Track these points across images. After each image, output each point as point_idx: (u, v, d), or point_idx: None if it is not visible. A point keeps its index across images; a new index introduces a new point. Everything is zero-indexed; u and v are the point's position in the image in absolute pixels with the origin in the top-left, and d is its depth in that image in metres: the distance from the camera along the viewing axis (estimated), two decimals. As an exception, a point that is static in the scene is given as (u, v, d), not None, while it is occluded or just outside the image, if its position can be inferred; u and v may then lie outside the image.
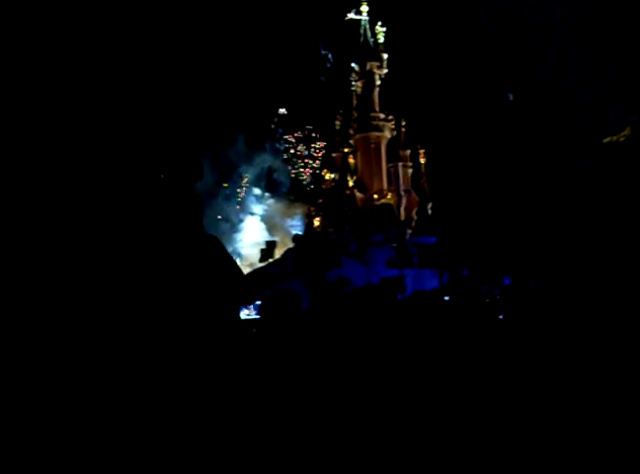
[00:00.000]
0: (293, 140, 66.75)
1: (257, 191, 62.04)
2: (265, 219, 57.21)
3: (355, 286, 39.74)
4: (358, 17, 50.28)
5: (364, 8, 50.29)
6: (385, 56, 49.37)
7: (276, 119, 66.31)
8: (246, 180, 63.40)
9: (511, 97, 54.09)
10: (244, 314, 33.89)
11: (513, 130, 52.72)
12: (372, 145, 47.68)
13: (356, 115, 48.77)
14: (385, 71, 49.33)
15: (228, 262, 13.96)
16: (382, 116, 48.37)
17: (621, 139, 40.36)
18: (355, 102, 49.66)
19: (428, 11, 58.32)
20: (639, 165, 37.48)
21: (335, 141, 49.14)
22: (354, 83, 49.88)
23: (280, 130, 60.69)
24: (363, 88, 48.95)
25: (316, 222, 45.39)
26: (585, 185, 42.59)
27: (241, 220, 59.85)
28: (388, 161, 47.26)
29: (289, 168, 65.25)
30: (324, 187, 47.75)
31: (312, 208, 46.74)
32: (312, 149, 66.37)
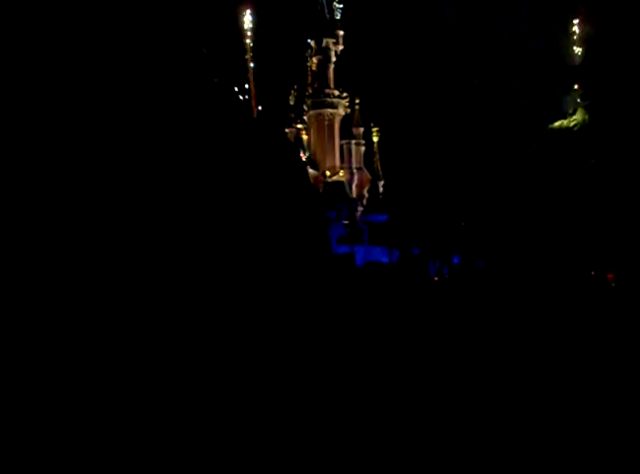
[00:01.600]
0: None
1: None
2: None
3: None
4: (314, -7, 49.98)
5: (320, -18, 50.00)
6: (341, 33, 49.27)
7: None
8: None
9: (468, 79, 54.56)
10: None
11: (465, 111, 53.28)
12: (326, 122, 47.66)
13: (310, 91, 48.63)
14: (341, 48, 49.24)
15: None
16: (337, 93, 48.32)
17: (571, 123, 41.29)
18: (309, 78, 49.43)
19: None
20: (590, 149, 38.34)
21: (288, 117, 48.92)
22: (309, 59, 49.60)
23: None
24: (319, 64, 48.78)
25: (268, 197, 45.25)
26: (532, 167, 43.36)
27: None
28: (341, 138, 47.25)
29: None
30: (277, 162, 47.58)
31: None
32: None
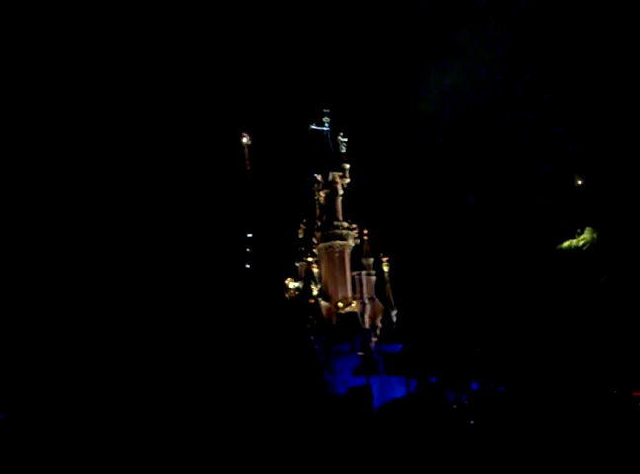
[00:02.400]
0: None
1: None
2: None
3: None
4: (320, 128, 51.25)
5: (326, 119, 51.34)
6: (347, 166, 50.14)
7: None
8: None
9: (470, 200, 54.98)
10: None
11: (473, 235, 53.47)
12: (336, 254, 47.84)
13: (319, 224, 49.09)
14: (347, 180, 50.01)
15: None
16: (345, 224, 48.72)
17: (580, 243, 41.28)
18: (318, 211, 50.02)
19: (387, 122, 59.87)
20: (601, 270, 38.15)
21: (298, 250, 49.24)
22: (316, 192, 50.34)
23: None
24: (326, 197, 49.47)
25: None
26: (546, 290, 43.09)
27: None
28: (352, 269, 47.32)
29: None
30: (288, 296, 47.53)
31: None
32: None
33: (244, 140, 49.14)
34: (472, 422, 34.10)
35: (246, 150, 48.90)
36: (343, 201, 49.91)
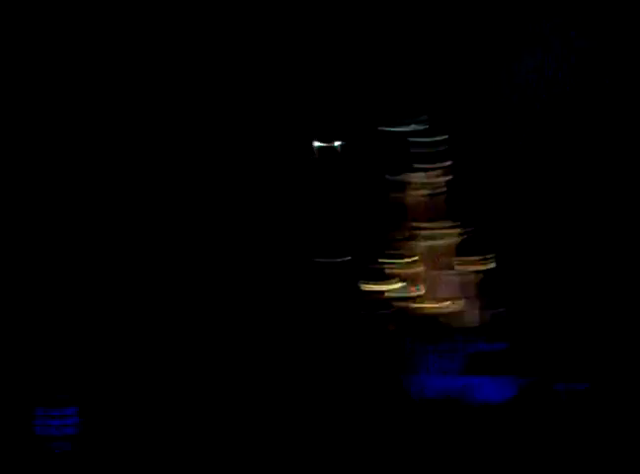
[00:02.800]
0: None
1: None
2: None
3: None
4: (416, 127, 50.77)
5: (422, 118, 50.84)
6: (447, 163, 49.57)
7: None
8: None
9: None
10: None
11: (573, 230, 51.55)
12: (437, 253, 47.49)
13: (418, 224, 48.82)
14: (447, 178, 49.44)
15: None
16: (446, 223, 48.37)
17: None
18: (417, 211, 49.60)
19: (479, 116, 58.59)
20: None
21: (399, 251, 48.96)
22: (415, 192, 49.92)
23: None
24: (425, 196, 49.12)
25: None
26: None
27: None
28: (454, 268, 46.74)
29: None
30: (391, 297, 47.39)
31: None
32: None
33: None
34: (582, 421, 33.37)
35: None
36: (443, 200, 49.38)
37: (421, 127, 50.84)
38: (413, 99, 50.96)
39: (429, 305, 45.62)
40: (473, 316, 45.36)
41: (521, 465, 29.60)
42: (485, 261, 47.22)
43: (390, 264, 47.76)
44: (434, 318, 44.85)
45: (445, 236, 47.81)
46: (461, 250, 47.40)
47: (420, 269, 47.39)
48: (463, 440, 31.27)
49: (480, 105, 56.40)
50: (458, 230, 48.16)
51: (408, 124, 50.10)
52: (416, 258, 47.76)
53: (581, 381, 37.19)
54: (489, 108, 55.68)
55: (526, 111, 54.32)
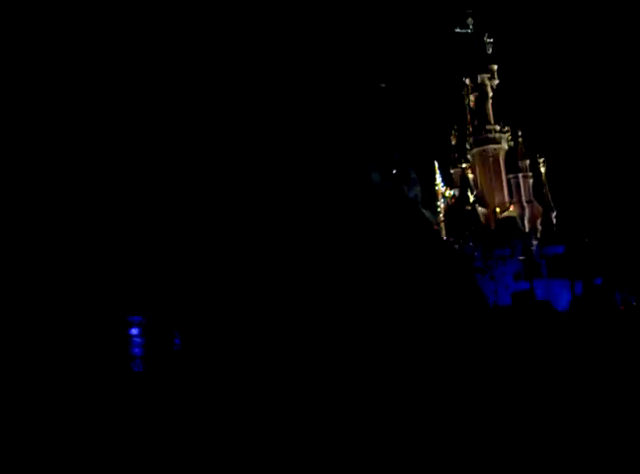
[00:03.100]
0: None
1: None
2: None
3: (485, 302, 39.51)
4: (464, 31, 50.13)
5: (470, 21, 50.11)
6: (495, 67, 49.06)
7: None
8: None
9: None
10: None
11: (630, 129, 51.24)
12: (490, 158, 47.33)
13: (471, 129, 48.50)
14: (497, 82, 48.99)
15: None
16: (498, 128, 47.97)
17: None
18: (469, 116, 49.34)
19: (532, 18, 57.53)
20: None
21: (452, 157, 48.88)
22: (466, 97, 49.56)
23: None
24: (476, 101, 48.72)
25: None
26: None
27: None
28: (508, 173, 46.71)
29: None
30: (445, 204, 47.55)
31: (435, 227, 46.64)
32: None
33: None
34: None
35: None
36: (493, 104, 49.03)
37: (468, 30, 50.35)
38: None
39: (484, 210, 45.82)
40: (529, 221, 45.58)
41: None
42: (539, 164, 47.25)
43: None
44: (491, 223, 45.11)
45: (498, 140, 47.66)
46: (514, 154, 47.26)
47: (474, 174, 47.47)
48: (530, 343, 31.85)
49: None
50: (510, 134, 48.03)
51: (467, 27, 49.39)
52: (470, 163, 47.82)
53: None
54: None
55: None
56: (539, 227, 45.29)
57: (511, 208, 45.41)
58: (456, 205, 45.83)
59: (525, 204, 45.60)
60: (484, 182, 47.00)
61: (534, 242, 43.80)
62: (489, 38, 49.58)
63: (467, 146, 48.39)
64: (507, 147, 47.55)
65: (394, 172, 53.86)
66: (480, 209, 45.49)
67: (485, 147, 47.35)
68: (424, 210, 50.90)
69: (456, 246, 44.12)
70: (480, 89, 48.83)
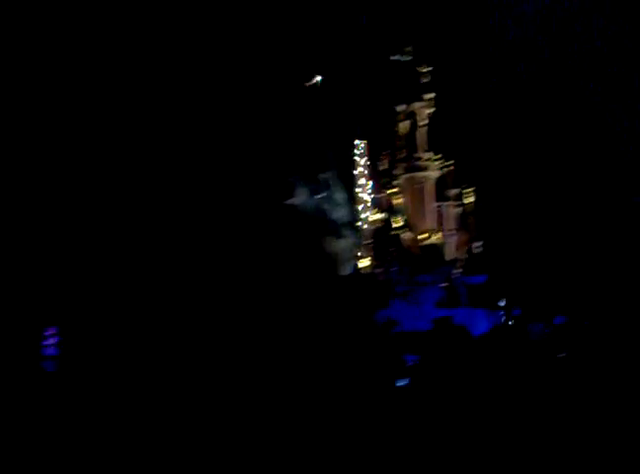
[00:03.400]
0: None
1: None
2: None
3: (403, 327, 39.56)
4: (401, 58, 50.48)
5: (408, 49, 50.48)
6: (430, 96, 49.42)
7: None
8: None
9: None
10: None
11: (559, 167, 52.24)
12: (419, 185, 47.55)
13: (402, 155, 48.74)
14: (431, 110, 49.34)
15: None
16: (429, 155, 48.29)
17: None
18: (401, 142, 49.60)
19: (468, 49, 58.39)
20: None
21: (382, 182, 49.06)
22: (399, 123, 49.81)
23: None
24: (410, 128, 48.98)
25: (364, 264, 45.30)
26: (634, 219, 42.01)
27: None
28: (435, 201, 47.00)
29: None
30: (371, 228, 47.64)
31: (360, 250, 46.66)
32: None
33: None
34: (561, 355, 33.95)
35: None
36: (427, 132, 49.38)
37: (406, 59, 50.71)
38: (400, 31, 50.58)
39: (410, 236, 45.97)
40: (454, 249, 45.88)
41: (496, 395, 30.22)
42: (466, 194, 47.69)
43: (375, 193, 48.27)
44: (415, 249, 45.28)
45: (427, 168, 47.96)
46: (442, 183, 47.63)
47: (402, 200, 47.65)
48: (446, 370, 31.86)
49: (467, 39, 56.25)
50: (440, 163, 48.39)
51: (404, 55, 49.73)
52: (398, 189, 48.00)
53: (558, 317, 38.00)
54: (476, 42, 55.58)
55: (515, 47, 54.46)
56: (464, 256, 45.61)
57: (436, 236, 45.65)
58: (383, 230, 45.92)
59: (451, 233, 45.91)
60: (412, 208, 47.17)
61: (458, 270, 44.01)
62: (426, 66, 49.97)
63: (398, 172, 48.56)
64: (436, 175, 47.87)
65: (322, 192, 54.01)
66: (406, 235, 45.63)
67: (415, 174, 47.59)
68: (349, 232, 51.13)
69: (380, 270, 44.25)
70: (413, 117, 49.10)
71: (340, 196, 49.53)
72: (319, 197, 48.73)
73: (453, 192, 47.32)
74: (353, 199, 49.49)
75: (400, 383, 29.73)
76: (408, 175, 47.87)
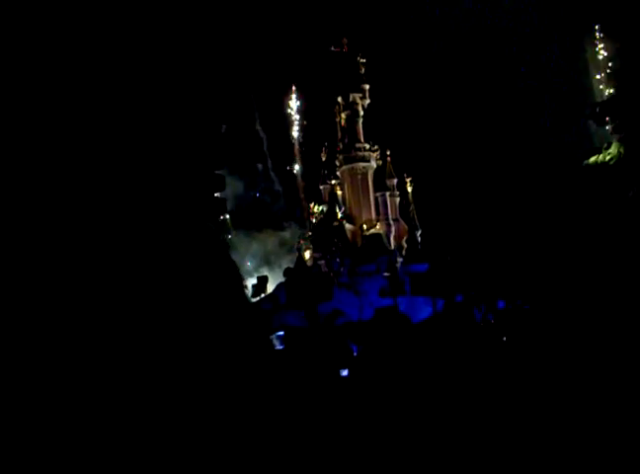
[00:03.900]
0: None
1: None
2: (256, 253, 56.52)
3: (348, 317, 39.66)
4: (339, 50, 50.51)
5: (345, 41, 50.53)
6: (367, 87, 49.62)
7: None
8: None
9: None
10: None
11: (497, 152, 52.94)
12: (359, 176, 47.73)
13: (341, 146, 48.84)
14: (368, 102, 49.55)
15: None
16: (367, 146, 48.48)
17: (607, 158, 40.76)
18: (339, 134, 49.72)
19: (405, 41, 58.80)
20: (632, 186, 37.74)
21: (322, 174, 49.10)
22: (338, 115, 49.91)
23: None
24: (347, 119, 49.10)
25: (307, 255, 45.24)
26: (573, 205, 42.71)
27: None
28: (375, 191, 47.14)
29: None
30: (313, 219, 47.61)
31: (302, 241, 46.59)
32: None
33: None
34: (504, 339, 34.32)
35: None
36: (364, 123, 49.54)
37: (342, 49, 50.76)
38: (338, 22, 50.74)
39: (351, 227, 46.08)
40: (395, 238, 46.12)
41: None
42: (405, 184, 47.96)
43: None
44: (357, 239, 45.42)
45: (367, 158, 48.09)
46: (382, 173, 47.77)
47: (342, 190, 47.74)
48: (393, 356, 31.94)
49: (405, 30, 56.63)
50: (378, 154, 48.58)
51: (341, 46, 49.78)
52: (338, 180, 48.06)
53: (504, 301, 38.44)
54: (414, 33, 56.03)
55: (452, 37, 55.08)
56: (404, 245, 45.93)
57: (377, 226, 45.84)
58: (324, 221, 45.93)
59: (392, 222, 46.13)
60: (352, 199, 47.35)
61: (399, 259, 44.23)
62: (362, 58, 50.08)
63: (337, 163, 48.67)
64: (375, 166, 48.10)
65: (260, 184, 53.81)
66: (347, 226, 45.73)
67: (354, 165, 47.72)
68: (291, 224, 50.99)
69: (323, 261, 44.24)
70: (352, 108, 49.21)
71: (279, 187, 49.37)
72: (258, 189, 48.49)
73: (393, 181, 47.52)
74: (292, 191, 49.43)
75: (344, 373, 29.81)
76: (348, 165, 47.94)
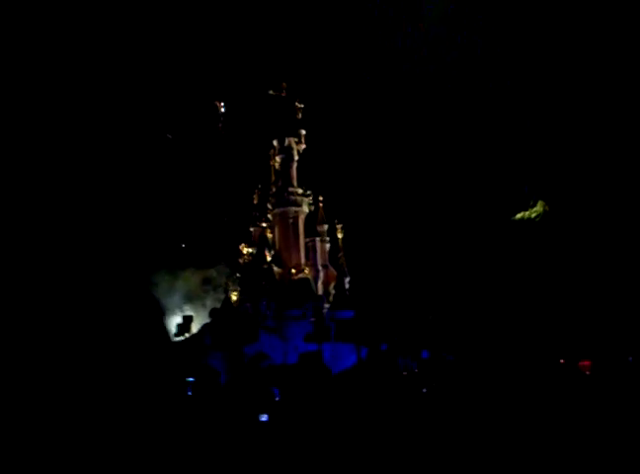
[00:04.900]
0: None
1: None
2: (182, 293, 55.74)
3: (273, 361, 39.37)
4: (277, 94, 50.78)
5: (284, 85, 50.85)
6: (303, 132, 49.87)
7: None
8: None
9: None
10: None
11: (426, 205, 53.69)
12: (290, 220, 47.63)
13: (274, 189, 48.80)
14: (303, 147, 49.73)
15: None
16: (300, 191, 48.51)
17: (533, 215, 41.73)
18: (273, 177, 49.72)
19: (344, 90, 59.56)
20: (552, 238, 38.64)
21: (253, 216, 48.88)
22: (272, 158, 49.98)
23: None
24: (282, 163, 49.12)
25: (233, 296, 44.77)
26: (500, 261, 43.53)
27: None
28: (306, 236, 47.15)
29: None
30: (241, 261, 47.26)
31: (229, 282, 46.13)
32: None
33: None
34: (424, 390, 34.43)
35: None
36: (298, 168, 49.64)
37: (281, 93, 51.06)
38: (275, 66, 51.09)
39: (279, 270, 45.87)
40: (323, 284, 46.05)
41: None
42: (335, 231, 48.05)
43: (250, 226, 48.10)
44: (285, 283, 45.18)
45: (299, 203, 48.10)
46: (313, 219, 47.85)
47: (272, 234, 47.60)
48: (315, 403, 31.81)
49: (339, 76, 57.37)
50: (310, 199, 48.67)
51: (280, 90, 50.00)
52: (269, 223, 47.92)
53: (428, 351, 38.73)
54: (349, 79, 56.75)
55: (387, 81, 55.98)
56: (332, 291, 45.84)
57: (306, 271, 45.73)
58: (253, 263, 45.63)
59: (320, 268, 46.13)
60: (282, 242, 47.17)
61: (326, 305, 44.15)
62: (300, 103, 50.39)
63: (269, 206, 48.53)
64: (307, 211, 48.13)
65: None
66: (276, 269, 45.47)
67: (286, 208, 47.65)
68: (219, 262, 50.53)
69: (250, 304, 43.88)
70: (287, 151, 49.29)
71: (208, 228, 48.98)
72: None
73: (324, 227, 47.57)
74: (222, 232, 49.08)
75: (263, 418, 29.40)
76: (280, 209, 47.86)
